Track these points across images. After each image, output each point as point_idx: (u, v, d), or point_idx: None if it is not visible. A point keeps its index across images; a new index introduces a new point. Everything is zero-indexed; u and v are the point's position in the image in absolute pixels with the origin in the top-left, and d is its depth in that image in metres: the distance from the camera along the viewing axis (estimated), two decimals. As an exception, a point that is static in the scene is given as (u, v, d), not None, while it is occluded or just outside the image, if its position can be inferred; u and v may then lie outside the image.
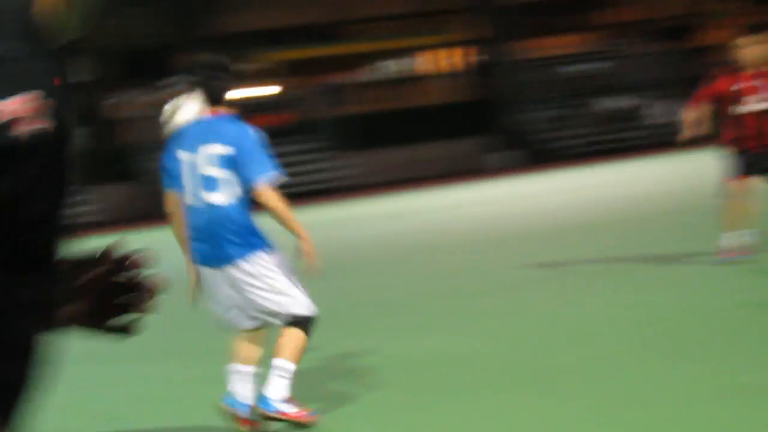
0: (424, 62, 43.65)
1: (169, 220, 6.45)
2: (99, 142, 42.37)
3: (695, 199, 15.44)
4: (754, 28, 10.13)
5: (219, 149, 6.19)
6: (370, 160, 33.98)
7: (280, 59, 34.22)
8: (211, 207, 6.18)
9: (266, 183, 6.14)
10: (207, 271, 6.27)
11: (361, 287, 11.82)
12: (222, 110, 6.34)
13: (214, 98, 6.33)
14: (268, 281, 6.16)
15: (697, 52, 37.61)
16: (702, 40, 39.39)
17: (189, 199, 6.28)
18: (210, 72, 6.34)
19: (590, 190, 21.49)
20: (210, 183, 6.20)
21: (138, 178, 36.13)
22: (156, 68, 46.45)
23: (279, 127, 31.80)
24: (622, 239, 13.11)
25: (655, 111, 35.02)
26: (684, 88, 31.39)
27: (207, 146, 6.22)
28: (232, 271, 6.18)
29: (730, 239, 10.17)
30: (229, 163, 6.16)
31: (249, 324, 6.30)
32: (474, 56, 40.79)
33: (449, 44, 40.79)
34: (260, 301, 6.18)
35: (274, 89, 37.06)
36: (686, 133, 10.32)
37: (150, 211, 35.14)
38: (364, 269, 13.38)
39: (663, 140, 28.41)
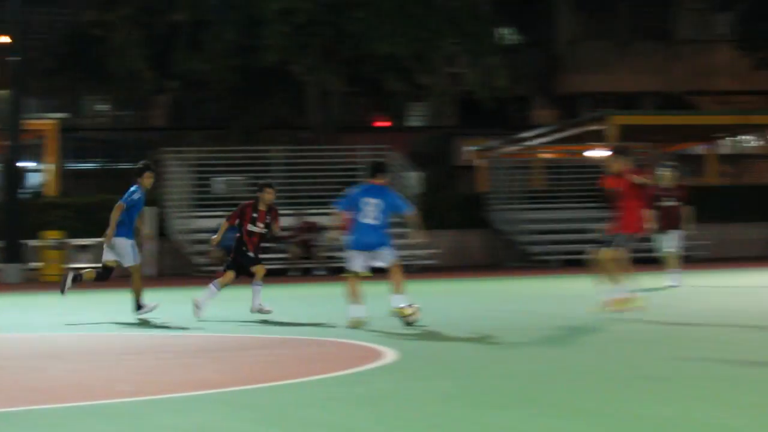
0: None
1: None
2: (453, 186, 43.27)
3: None
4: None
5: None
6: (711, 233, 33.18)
7: (628, 123, 34.24)
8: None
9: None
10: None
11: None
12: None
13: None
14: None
15: None
16: None
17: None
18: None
19: None
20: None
21: (488, 225, 36.45)
22: (510, 120, 47.20)
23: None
24: None
25: None
26: None
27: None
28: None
29: None
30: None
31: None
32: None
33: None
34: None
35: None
36: None
37: (497, 259, 34.95)
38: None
39: None
